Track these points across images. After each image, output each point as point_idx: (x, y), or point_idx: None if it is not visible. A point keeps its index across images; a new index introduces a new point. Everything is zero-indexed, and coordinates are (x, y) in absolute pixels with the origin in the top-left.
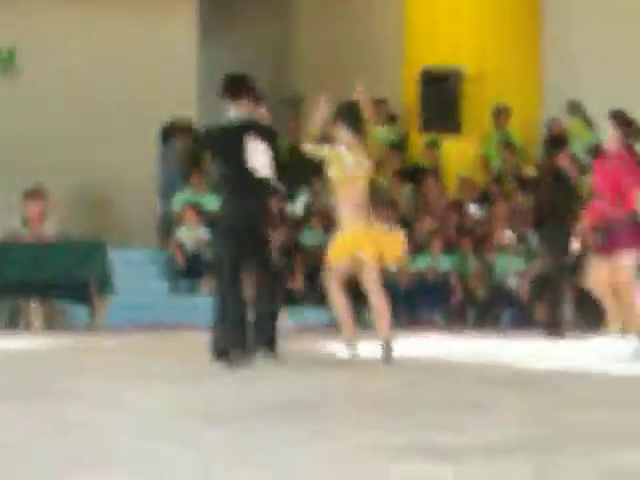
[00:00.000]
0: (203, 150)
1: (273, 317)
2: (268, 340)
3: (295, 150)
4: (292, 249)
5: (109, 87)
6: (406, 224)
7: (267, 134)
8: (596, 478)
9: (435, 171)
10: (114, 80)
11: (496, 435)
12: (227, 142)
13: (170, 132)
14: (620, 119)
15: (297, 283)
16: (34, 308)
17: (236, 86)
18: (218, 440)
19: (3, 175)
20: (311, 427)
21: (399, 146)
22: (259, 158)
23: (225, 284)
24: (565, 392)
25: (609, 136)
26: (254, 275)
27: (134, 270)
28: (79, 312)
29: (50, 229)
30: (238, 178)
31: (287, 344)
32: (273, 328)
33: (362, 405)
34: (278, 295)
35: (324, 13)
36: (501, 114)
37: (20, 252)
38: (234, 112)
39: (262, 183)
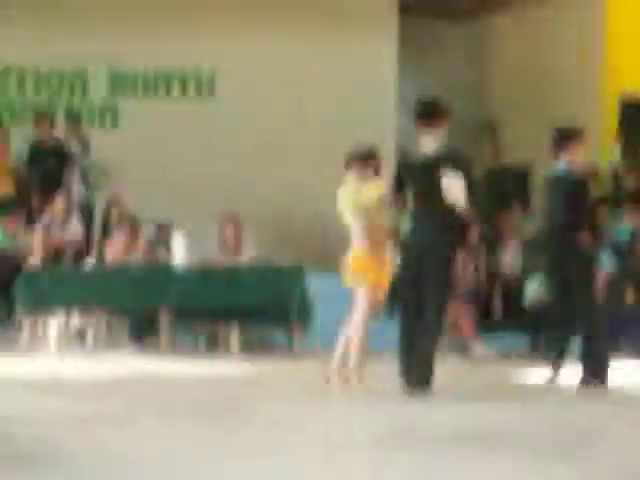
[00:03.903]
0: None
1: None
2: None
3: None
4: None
5: (307, 115)
6: None
7: (461, 164)
8: None
9: None
10: (312, 108)
11: None
12: (421, 175)
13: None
14: None
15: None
16: (233, 332)
17: (431, 111)
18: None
19: (201, 200)
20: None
21: None
22: (455, 191)
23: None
24: None
25: None
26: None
27: (334, 296)
28: (279, 337)
29: (248, 256)
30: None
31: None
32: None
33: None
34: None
35: (518, 38)
36: None
37: (219, 276)
38: (428, 141)
39: (451, 215)
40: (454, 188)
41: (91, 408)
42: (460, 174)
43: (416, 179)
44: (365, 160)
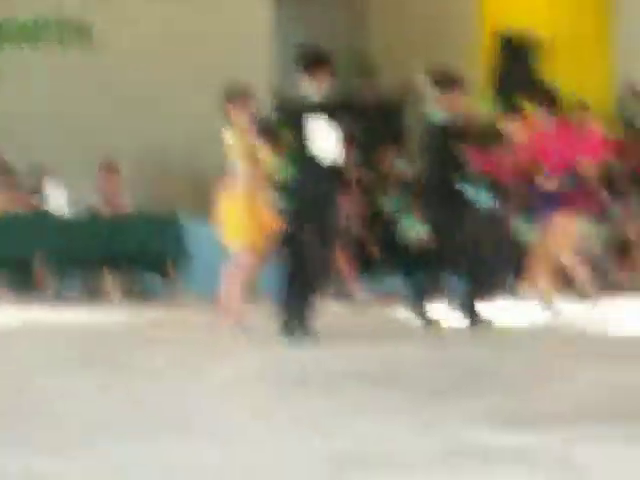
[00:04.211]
0: (282, 124)
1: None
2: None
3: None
4: (368, 217)
5: (185, 65)
6: None
7: (343, 110)
8: None
9: None
10: (190, 58)
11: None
12: (303, 120)
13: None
14: None
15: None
16: (111, 280)
17: (313, 60)
18: (288, 408)
19: (81, 149)
20: (389, 396)
21: None
22: (329, 138)
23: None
24: None
25: None
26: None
27: (212, 243)
28: (157, 284)
29: (125, 204)
30: (310, 156)
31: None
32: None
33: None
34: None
35: None
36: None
37: (97, 224)
38: (310, 87)
39: (332, 164)
40: (323, 139)
41: None
42: (335, 124)
43: (295, 125)
44: (246, 97)
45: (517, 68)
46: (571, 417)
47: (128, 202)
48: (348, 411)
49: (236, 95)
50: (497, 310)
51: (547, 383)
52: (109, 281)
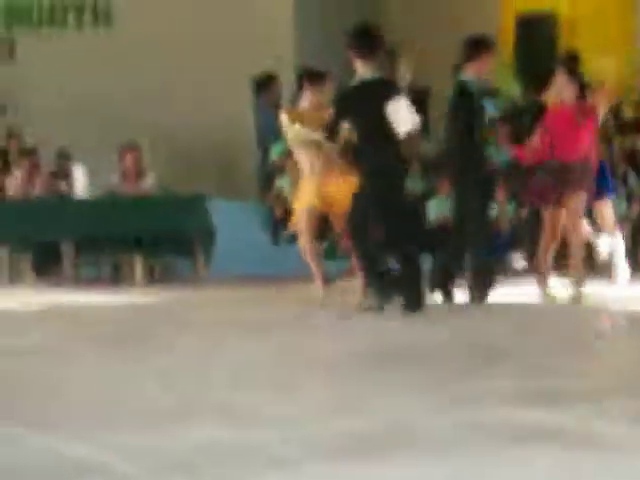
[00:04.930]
0: (343, 117)
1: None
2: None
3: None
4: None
5: (205, 42)
6: None
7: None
8: None
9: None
10: (209, 35)
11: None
12: (362, 104)
13: (262, 84)
14: None
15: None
16: (137, 262)
17: (369, 42)
18: (314, 389)
19: (101, 132)
20: (412, 375)
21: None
22: (402, 114)
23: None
24: None
25: None
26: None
27: (236, 223)
28: (182, 265)
29: (148, 184)
30: (373, 138)
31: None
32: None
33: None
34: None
35: None
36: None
37: (121, 206)
38: (364, 69)
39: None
40: (403, 110)
41: (9, 342)
42: (404, 97)
43: (361, 107)
44: (317, 79)
45: (538, 48)
46: (599, 394)
47: (151, 184)
48: (372, 390)
49: (311, 75)
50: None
51: (572, 360)
52: (133, 263)
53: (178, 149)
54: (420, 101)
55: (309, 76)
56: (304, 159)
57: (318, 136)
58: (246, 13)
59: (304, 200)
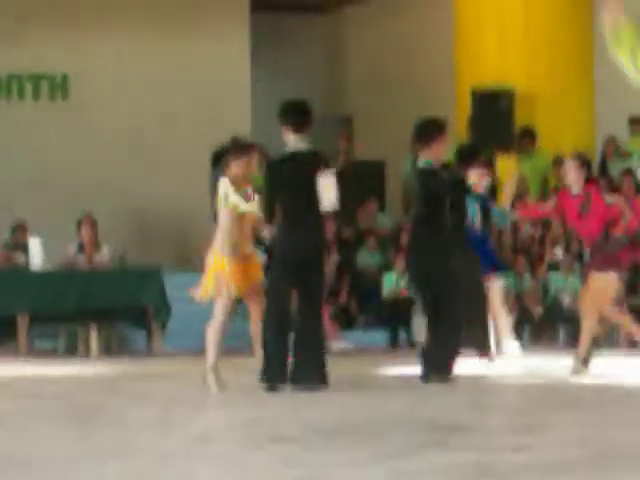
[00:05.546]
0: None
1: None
2: (317, 371)
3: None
4: (343, 270)
5: (161, 115)
6: None
7: (325, 163)
8: None
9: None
10: (167, 108)
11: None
12: (292, 175)
13: (220, 156)
14: None
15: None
16: (92, 334)
17: (300, 117)
18: (268, 462)
19: (59, 202)
20: (368, 449)
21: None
22: (330, 190)
23: (272, 313)
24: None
25: None
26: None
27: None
28: (138, 337)
29: (105, 255)
30: (299, 209)
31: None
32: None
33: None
34: (322, 329)
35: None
36: (525, 137)
37: (77, 278)
38: (295, 141)
39: (320, 215)
40: (329, 187)
41: None
42: (333, 172)
43: (289, 178)
44: (245, 149)
45: (492, 122)
46: (546, 469)
47: (107, 255)
48: (320, 462)
49: (236, 147)
50: (481, 364)
51: (524, 435)
52: (89, 335)
53: (136, 220)
54: (376, 174)
55: (234, 147)
56: (229, 230)
57: (250, 208)
58: (200, 90)
59: (225, 287)
